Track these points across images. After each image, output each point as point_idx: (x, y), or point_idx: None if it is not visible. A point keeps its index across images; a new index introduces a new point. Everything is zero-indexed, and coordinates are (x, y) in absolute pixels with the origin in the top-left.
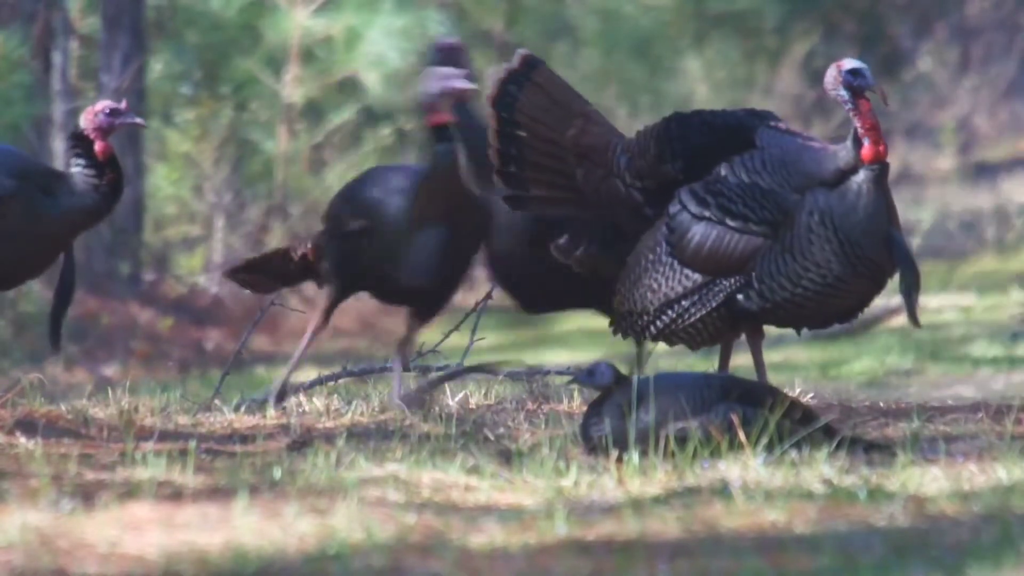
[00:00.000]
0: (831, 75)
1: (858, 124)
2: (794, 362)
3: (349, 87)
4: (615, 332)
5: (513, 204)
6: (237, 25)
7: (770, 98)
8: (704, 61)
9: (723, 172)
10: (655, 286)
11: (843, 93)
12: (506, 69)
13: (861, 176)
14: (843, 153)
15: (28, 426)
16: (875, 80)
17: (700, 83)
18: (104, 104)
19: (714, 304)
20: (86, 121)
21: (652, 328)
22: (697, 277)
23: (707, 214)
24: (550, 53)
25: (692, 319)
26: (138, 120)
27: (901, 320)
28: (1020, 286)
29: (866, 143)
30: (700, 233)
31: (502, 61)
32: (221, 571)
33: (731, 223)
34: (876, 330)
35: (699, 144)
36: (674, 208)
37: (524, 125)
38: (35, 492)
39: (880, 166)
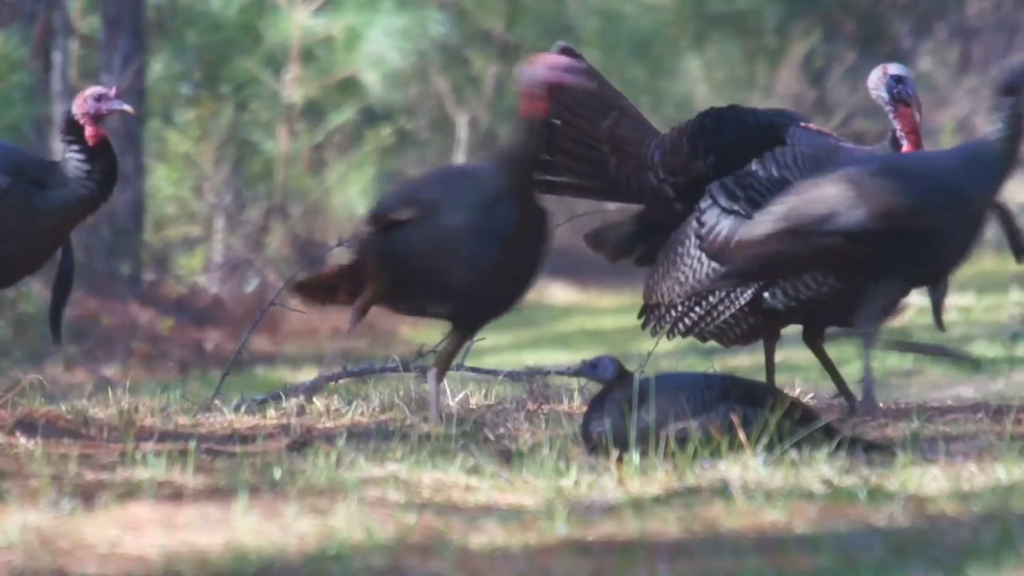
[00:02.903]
0: (876, 75)
1: (898, 126)
2: (794, 362)
3: (349, 87)
4: (644, 326)
5: (544, 189)
6: (237, 25)
7: (770, 98)
8: (704, 61)
9: (754, 167)
10: (682, 279)
11: (884, 95)
12: None
13: None
14: (881, 152)
15: (28, 426)
16: (914, 92)
17: (700, 83)
18: (93, 90)
19: (742, 302)
20: (76, 107)
21: (681, 324)
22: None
23: (736, 208)
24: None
25: (721, 317)
26: (126, 107)
27: (901, 321)
28: (1020, 286)
29: (905, 144)
30: (728, 227)
31: (502, 61)
32: (221, 571)
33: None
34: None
35: (731, 141)
36: (705, 203)
37: (558, 114)
38: (35, 492)
39: None
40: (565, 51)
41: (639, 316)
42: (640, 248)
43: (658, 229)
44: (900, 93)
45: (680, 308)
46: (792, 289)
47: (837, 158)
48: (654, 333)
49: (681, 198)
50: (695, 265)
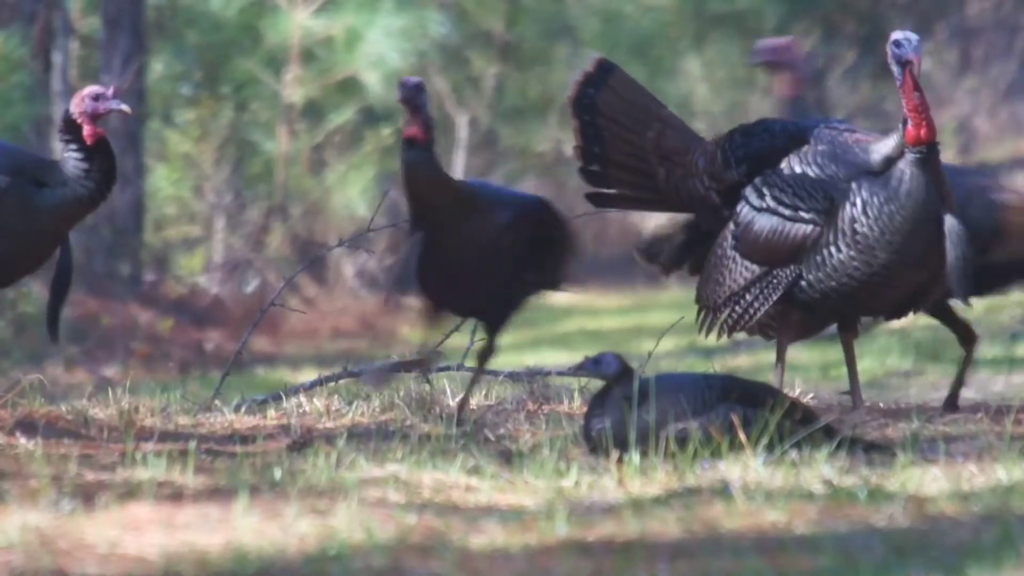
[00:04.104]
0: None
1: (903, 103)
2: (794, 362)
3: (349, 87)
4: (699, 330)
5: (595, 202)
6: (237, 25)
7: (770, 98)
8: (704, 61)
9: (781, 166)
10: (720, 280)
11: (894, 68)
12: (582, 72)
13: (907, 160)
14: (891, 140)
15: (28, 426)
16: (916, 51)
17: (700, 83)
18: (91, 89)
19: (775, 297)
20: (74, 106)
21: (726, 324)
22: (755, 268)
23: (764, 205)
24: (550, 53)
25: (758, 313)
26: (123, 107)
27: (901, 321)
28: (1020, 286)
29: (908, 125)
30: (758, 224)
31: (502, 61)
32: (221, 572)
33: (784, 212)
34: (876, 331)
35: (760, 149)
36: (740, 205)
37: (605, 126)
38: (35, 492)
39: (926, 149)
40: (602, 64)
41: (696, 319)
42: (692, 258)
43: (708, 237)
44: (899, 56)
45: (720, 307)
46: (817, 281)
47: (852, 150)
48: (707, 335)
49: (727, 204)
50: (731, 265)
